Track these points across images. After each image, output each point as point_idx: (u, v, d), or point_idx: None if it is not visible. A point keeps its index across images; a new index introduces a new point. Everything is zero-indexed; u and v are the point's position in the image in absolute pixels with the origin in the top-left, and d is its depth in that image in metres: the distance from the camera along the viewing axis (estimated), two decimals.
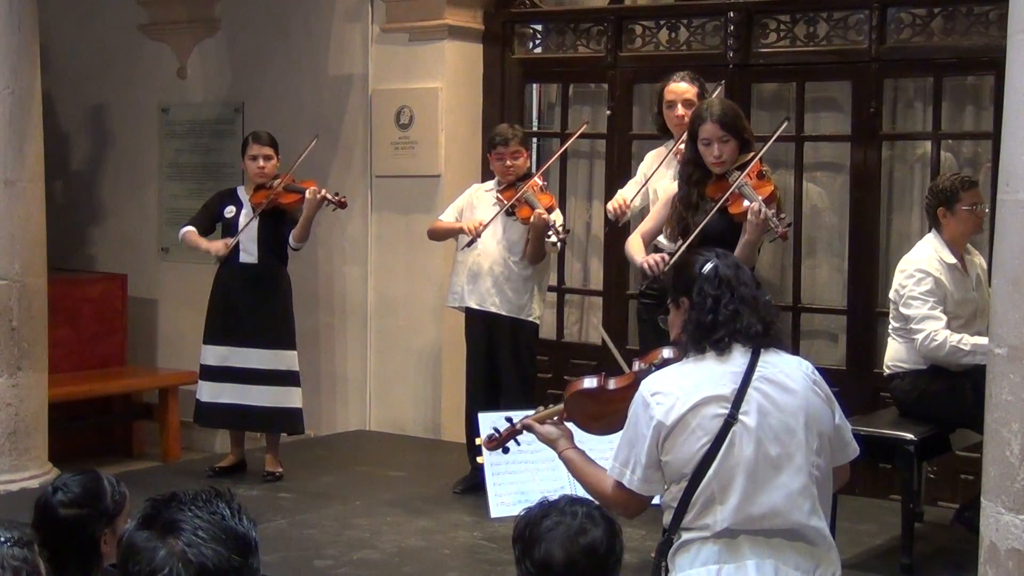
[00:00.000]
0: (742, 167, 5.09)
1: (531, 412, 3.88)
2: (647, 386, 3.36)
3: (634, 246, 5.33)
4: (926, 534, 5.74)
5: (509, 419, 3.89)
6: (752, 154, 5.14)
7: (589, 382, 3.86)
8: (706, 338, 3.33)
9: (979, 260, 5.73)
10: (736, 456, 3.23)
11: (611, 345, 4.50)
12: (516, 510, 3.53)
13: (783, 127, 5.44)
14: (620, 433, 3.45)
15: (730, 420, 3.24)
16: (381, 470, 7.05)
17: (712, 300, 3.35)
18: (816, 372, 3.42)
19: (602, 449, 3.87)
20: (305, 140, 7.03)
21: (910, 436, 5.33)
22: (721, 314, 3.33)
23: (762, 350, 3.33)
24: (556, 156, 6.97)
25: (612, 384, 3.81)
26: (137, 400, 8.41)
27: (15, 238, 6.55)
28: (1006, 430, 3.89)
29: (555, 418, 3.77)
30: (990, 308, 4.20)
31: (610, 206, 6.12)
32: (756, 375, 3.29)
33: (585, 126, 6.96)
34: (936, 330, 5.42)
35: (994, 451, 3.95)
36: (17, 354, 6.56)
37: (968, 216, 5.57)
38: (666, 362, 3.67)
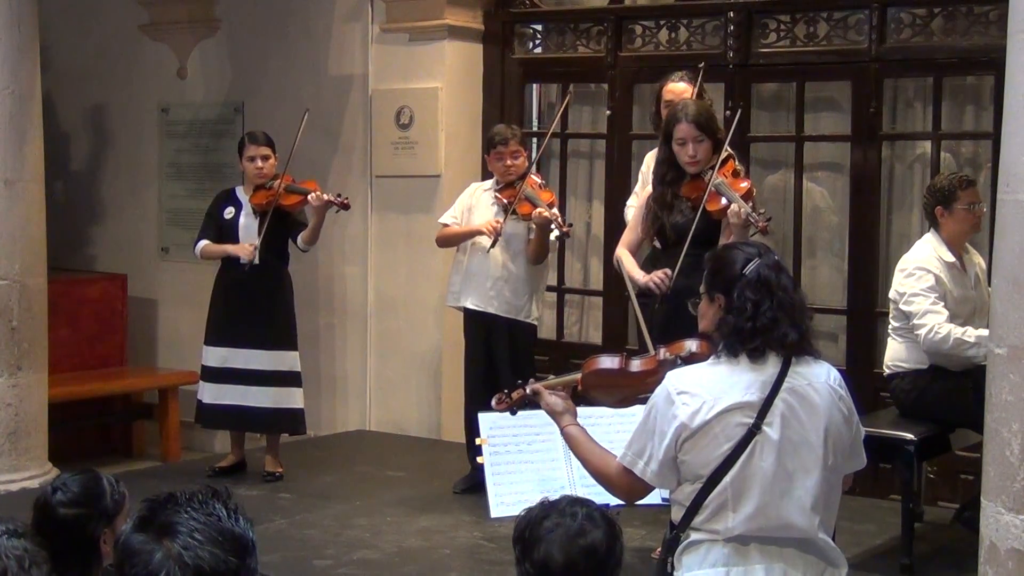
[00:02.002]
0: (716, 166, 5.15)
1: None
2: (673, 381, 3.33)
3: (627, 261, 5.35)
4: (926, 534, 5.74)
5: (521, 382, 3.90)
6: (725, 153, 5.19)
7: (611, 362, 3.90)
8: (742, 344, 3.29)
9: (978, 259, 5.72)
10: (755, 466, 3.23)
11: (642, 323, 4.59)
12: (516, 510, 3.53)
13: (738, 116, 5.47)
14: (626, 412, 3.44)
15: (753, 430, 3.23)
16: (381, 470, 7.05)
17: (752, 306, 3.29)
18: (843, 384, 3.40)
19: (608, 434, 3.88)
20: (304, 141, 7.01)
21: (910, 436, 5.33)
22: (759, 321, 3.28)
23: (793, 358, 3.31)
24: (546, 139, 6.72)
25: (634, 367, 3.86)
26: (137, 400, 8.41)
27: (15, 238, 6.55)
28: (1006, 430, 3.90)
29: (566, 388, 3.80)
30: (990, 308, 4.20)
31: None
32: (784, 386, 3.27)
33: (570, 96, 7.04)
34: (939, 323, 5.40)
35: (994, 451, 3.96)
36: (17, 354, 6.55)
37: (966, 215, 5.57)
38: (692, 356, 3.69)
